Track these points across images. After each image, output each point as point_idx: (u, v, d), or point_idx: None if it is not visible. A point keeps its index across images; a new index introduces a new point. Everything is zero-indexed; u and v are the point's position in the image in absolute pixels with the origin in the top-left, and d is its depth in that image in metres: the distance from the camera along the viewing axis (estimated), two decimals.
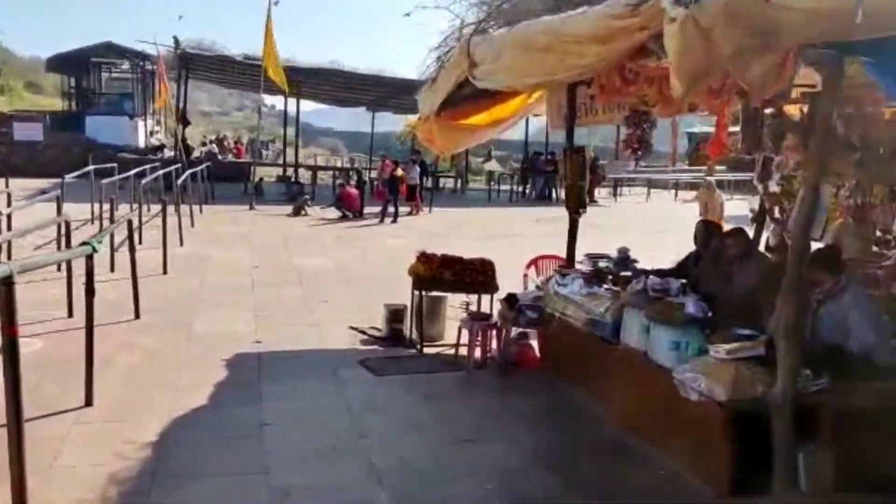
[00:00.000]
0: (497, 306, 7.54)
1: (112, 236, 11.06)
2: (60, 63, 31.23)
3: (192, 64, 24.65)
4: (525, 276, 8.73)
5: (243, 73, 24.68)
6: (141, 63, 31.01)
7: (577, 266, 7.31)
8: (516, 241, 16.14)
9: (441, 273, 7.52)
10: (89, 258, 5.84)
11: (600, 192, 27.39)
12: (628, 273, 6.77)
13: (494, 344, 7.38)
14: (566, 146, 7.24)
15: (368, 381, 6.71)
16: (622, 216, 22.68)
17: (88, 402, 5.73)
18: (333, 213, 19.35)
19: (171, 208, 14.68)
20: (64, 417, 5.50)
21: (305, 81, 24.54)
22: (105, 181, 14.67)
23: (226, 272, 11.48)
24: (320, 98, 30.67)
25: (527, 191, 28.24)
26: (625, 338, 5.62)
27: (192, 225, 15.96)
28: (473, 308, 7.73)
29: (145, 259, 11.73)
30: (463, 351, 7.30)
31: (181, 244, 13.60)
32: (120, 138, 29.30)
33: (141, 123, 31.83)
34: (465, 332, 7.29)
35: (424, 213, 20.96)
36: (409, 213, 20.34)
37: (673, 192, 32.14)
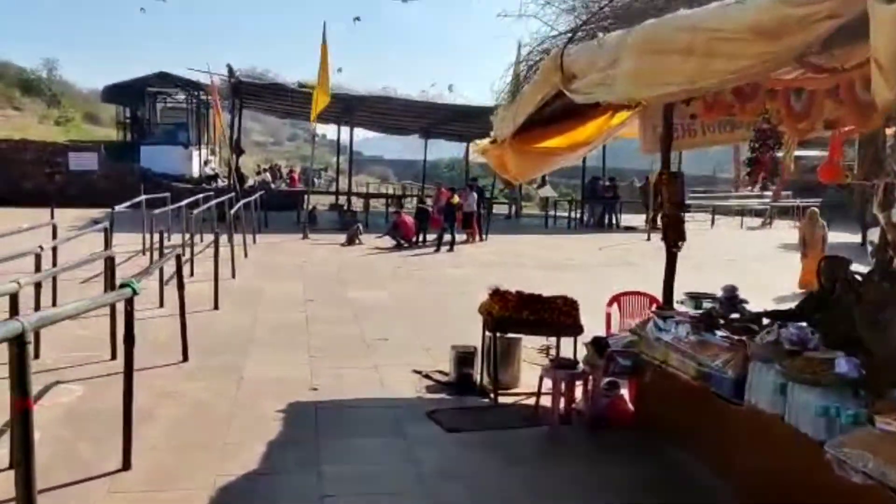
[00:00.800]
0: (581, 350, 6.68)
1: (161, 270, 10.54)
2: (116, 93, 31.55)
3: (246, 92, 24.47)
4: (608, 315, 7.83)
5: (296, 102, 24.40)
6: (195, 93, 31.10)
7: (677, 306, 6.40)
8: (583, 272, 15.24)
9: (519, 313, 6.68)
10: (129, 300, 5.18)
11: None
12: (738, 316, 5.84)
13: (579, 393, 6.51)
14: (662, 170, 6.35)
15: (440, 440, 5.89)
16: (689, 244, 21.47)
17: (126, 465, 5.03)
18: (387, 241, 18.72)
19: (224, 238, 14.25)
20: (97, 485, 4.80)
21: (358, 108, 24.16)
22: (156, 211, 14.27)
23: (279, 307, 10.84)
24: (372, 125, 30.31)
25: (584, 217, 27.24)
26: (751, 397, 4.70)
27: (246, 255, 15.46)
28: (554, 352, 6.88)
29: (196, 293, 11.18)
30: (544, 401, 6.45)
31: (234, 276, 13.06)
32: (174, 168, 29.36)
33: (195, 153, 31.90)
34: (546, 381, 6.44)
35: (480, 241, 20.17)
36: (466, 241, 19.58)
37: (737, 218, 30.78)
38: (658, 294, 7.21)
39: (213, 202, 16.94)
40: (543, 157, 7.17)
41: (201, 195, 18.46)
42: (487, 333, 7.12)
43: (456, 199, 18.38)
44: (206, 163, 32.48)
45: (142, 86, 30.52)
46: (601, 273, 15.36)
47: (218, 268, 10.71)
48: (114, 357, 7.55)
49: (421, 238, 18.69)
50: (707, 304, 6.21)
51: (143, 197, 15.80)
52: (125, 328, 5.11)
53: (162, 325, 9.00)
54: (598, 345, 6.37)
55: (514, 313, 6.70)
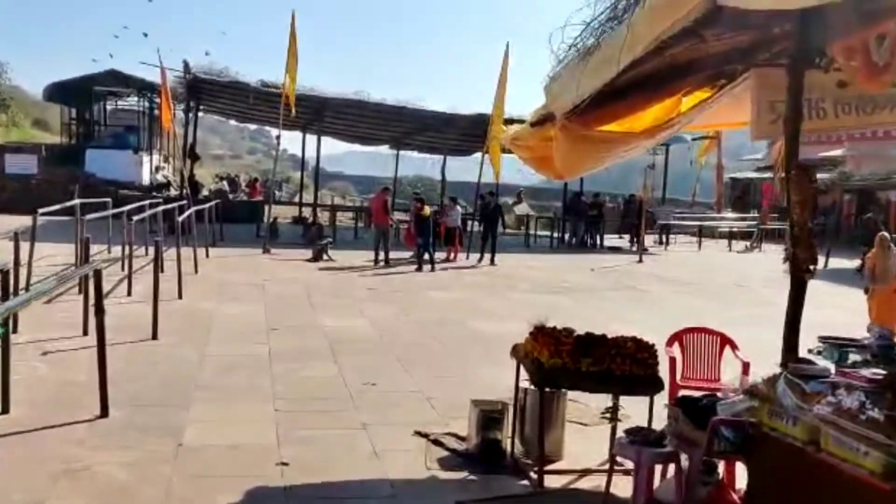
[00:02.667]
0: (661, 412, 4.78)
1: (84, 285, 8.44)
2: (60, 92, 28.79)
3: (204, 92, 22.29)
4: (671, 360, 5.94)
5: (260, 104, 22.23)
6: (148, 93, 28.69)
7: (810, 355, 4.52)
8: (585, 297, 13.41)
9: (577, 362, 4.76)
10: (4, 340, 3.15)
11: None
12: None
13: (658, 474, 4.62)
14: (790, 164, 4.49)
15: None
16: (685, 267, 19.92)
17: None
18: (361, 257, 16.68)
19: (171, 251, 12.10)
20: None
21: (328, 112, 22.16)
22: (90, 217, 12.06)
23: (234, 337, 8.75)
24: (341, 134, 28.25)
25: (566, 237, 25.44)
26: None
27: (196, 271, 13.31)
28: (624, 415, 4.97)
29: (131, 317, 9.08)
30: (619, 490, 4.53)
31: (180, 296, 10.94)
32: (122, 174, 26.88)
33: (146, 158, 29.45)
34: (622, 459, 4.53)
35: (461, 260, 18.23)
36: (446, 259, 17.62)
37: (722, 241, 29.41)
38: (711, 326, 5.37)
39: (159, 209, 14.73)
40: (603, 145, 5.31)
41: (147, 202, 16.21)
42: (527, 386, 5.20)
43: (427, 210, 16.39)
44: (157, 169, 29.99)
45: (89, 84, 27.89)
46: (605, 298, 13.56)
47: (158, 286, 8.57)
48: (5, 410, 5.45)
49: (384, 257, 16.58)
50: (854, 356, 4.36)
51: (76, 201, 13.51)
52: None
53: (80, 362, 6.90)
54: (691, 408, 4.48)
55: (570, 362, 4.76)
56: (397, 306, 11.46)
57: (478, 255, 17.97)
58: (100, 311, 5.66)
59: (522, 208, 31.48)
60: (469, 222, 21.49)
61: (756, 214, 31.75)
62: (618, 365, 4.79)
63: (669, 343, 6.25)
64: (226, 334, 8.85)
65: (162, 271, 13.00)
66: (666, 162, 28.80)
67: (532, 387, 5.12)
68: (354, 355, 8.11)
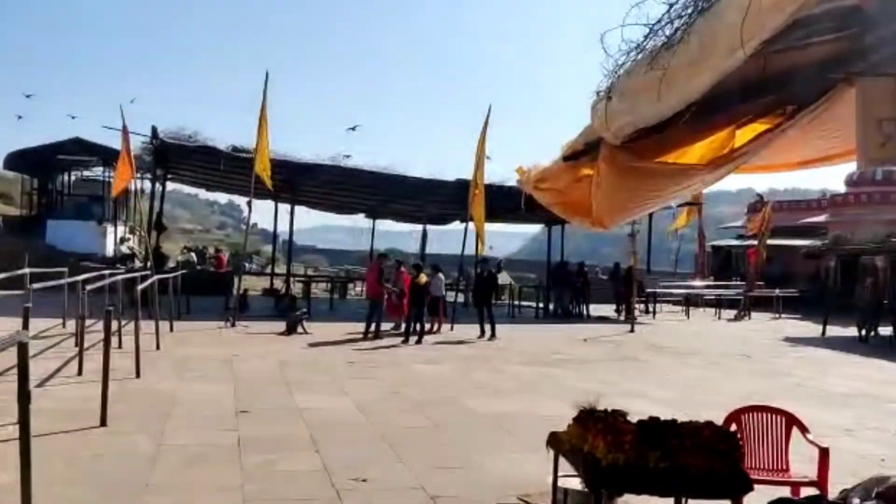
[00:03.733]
0: None
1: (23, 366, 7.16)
2: (21, 161, 27.52)
3: (172, 159, 21.26)
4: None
5: (231, 171, 21.21)
6: (114, 162, 27.56)
7: None
8: (582, 370, 12.32)
9: (643, 457, 3.66)
10: None
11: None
12: None
13: None
14: None
15: None
16: (679, 337, 18.97)
17: None
18: (336, 330, 15.49)
19: (131, 326, 10.85)
20: None
21: (303, 179, 21.23)
22: (38, 286, 10.83)
23: (198, 422, 7.50)
24: (315, 203, 27.29)
25: (550, 306, 24.40)
26: None
27: (158, 347, 12.02)
28: None
29: (77, 401, 7.85)
30: None
31: (138, 375, 9.66)
32: (85, 245, 25.64)
33: (111, 230, 28.16)
34: None
35: (446, 331, 17.08)
36: (431, 331, 16.45)
37: (710, 309, 28.62)
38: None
39: (118, 277, 13.47)
40: (655, 181, 4.37)
41: (106, 271, 14.99)
42: (569, 483, 4.08)
43: (423, 278, 15.35)
44: (122, 241, 28.67)
45: (52, 153, 26.76)
46: (605, 369, 12.49)
47: (109, 363, 7.32)
48: None
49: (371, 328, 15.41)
50: None
51: (26, 270, 12.26)
52: None
53: (6, 460, 5.61)
54: None
55: (633, 456, 3.66)
56: (384, 383, 10.26)
57: (477, 328, 16.54)
58: (24, 398, 4.45)
59: (503, 278, 30.51)
60: (452, 293, 20.44)
61: (738, 282, 31.16)
62: (691, 459, 3.70)
63: (726, 423, 5.18)
64: (187, 419, 7.59)
65: (119, 346, 11.90)
66: (650, 230, 28.20)
67: (576, 484, 4.01)
68: (339, 443, 6.90)
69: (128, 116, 16.41)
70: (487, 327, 16.28)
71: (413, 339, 14.76)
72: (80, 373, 9.55)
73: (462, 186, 20.26)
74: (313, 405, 8.48)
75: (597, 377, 11.55)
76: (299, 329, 15.30)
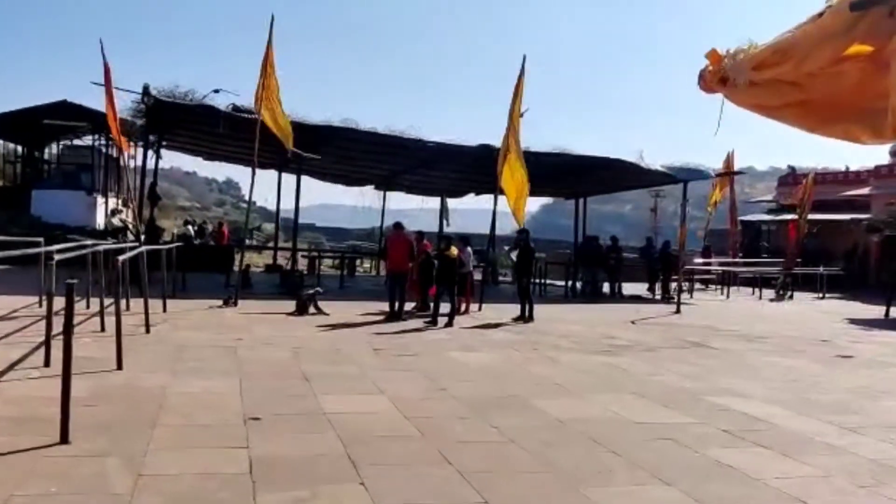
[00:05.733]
0: None
1: None
2: (4, 127, 25.49)
3: (166, 119, 19.17)
4: None
5: (231, 135, 19.12)
6: (105, 129, 25.50)
7: None
8: (653, 359, 10.40)
9: None
10: None
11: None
12: None
13: None
14: None
15: None
16: (731, 318, 17.08)
17: None
18: (355, 310, 13.59)
19: (115, 304, 8.92)
20: None
21: (318, 144, 19.18)
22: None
23: (193, 438, 5.56)
24: (324, 172, 25.27)
25: (577, 286, 22.34)
26: None
27: (147, 331, 10.14)
28: None
29: (38, 402, 5.96)
30: None
31: (119, 366, 7.75)
32: (73, 217, 23.64)
33: (101, 200, 26.16)
34: None
35: (474, 312, 15.15)
36: (459, 312, 14.52)
37: (745, 288, 26.78)
38: None
39: (99, 248, 11.51)
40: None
41: (89, 241, 13.05)
42: None
43: (454, 251, 13.40)
44: (113, 213, 26.65)
45: (38, 116, 24.61)
46: (677, 359, 10.58)
47: (70, 354, 5.32)
48: None
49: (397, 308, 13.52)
50: None
51: None
52: None
53: None
54: None
55: None
56: (422, 376, 8.34)
57: (515, 309, 14.52)
58: None
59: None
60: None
61: (767, 259, 29.32)
62: None
63: None
64: (180, 432, 5.66)
65: (102, 330, 9.98)
66: (684, 203, 26.18)
67: None
68: (389, 469, 4.99)
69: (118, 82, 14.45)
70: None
71: (442, 321, 12.83)
72: (46, 363, 7.61)
73: (484, 155, 18.31)
74: (343, 408, 6.57)
75: (672, 369, 9.66)
76: (311, 309, 13.38)
